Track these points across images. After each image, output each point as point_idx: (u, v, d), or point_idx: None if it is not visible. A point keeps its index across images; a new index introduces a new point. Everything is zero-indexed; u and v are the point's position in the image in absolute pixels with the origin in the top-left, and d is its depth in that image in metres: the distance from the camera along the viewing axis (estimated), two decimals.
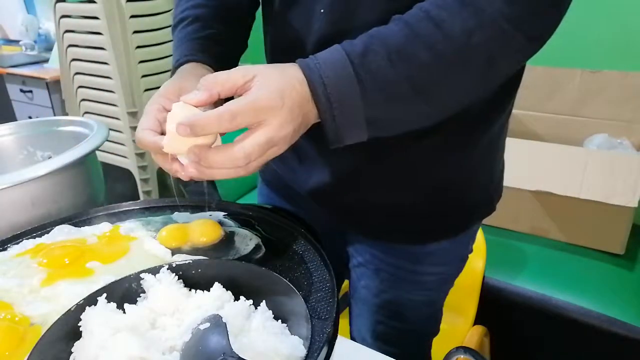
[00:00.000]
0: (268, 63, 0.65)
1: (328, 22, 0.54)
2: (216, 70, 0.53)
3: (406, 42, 0.45)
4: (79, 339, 0.39)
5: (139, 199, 2.18)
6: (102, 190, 0.76)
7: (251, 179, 2.12)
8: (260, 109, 0.43)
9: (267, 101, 0.43)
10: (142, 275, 0.45)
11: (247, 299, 0.42)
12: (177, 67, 0.58)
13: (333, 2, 0.53)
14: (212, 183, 1.99)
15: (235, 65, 0.59)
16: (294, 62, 0.48)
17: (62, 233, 0.57)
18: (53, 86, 2.74)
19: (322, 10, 0.54)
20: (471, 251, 0.76)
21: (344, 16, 0.53)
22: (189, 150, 0.45)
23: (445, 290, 0.78)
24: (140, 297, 0.44)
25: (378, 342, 0.79)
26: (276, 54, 0.66)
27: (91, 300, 0.42)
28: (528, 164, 1.38)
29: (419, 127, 0.52)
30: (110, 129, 0.72)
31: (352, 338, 0.84)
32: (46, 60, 2.99)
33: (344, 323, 0.92)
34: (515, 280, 1.31)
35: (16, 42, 3.44)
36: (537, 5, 0.45)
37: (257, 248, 0.53)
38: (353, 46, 0.46)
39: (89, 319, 0.40)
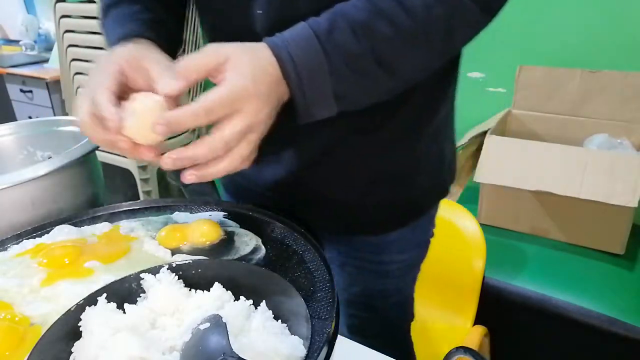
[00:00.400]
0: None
1: (268, 20, 0.54)
2: (167, 52, 0.53)
3: (369, 17, 0.47)
4: (79, 339, 0.39)
5: (139, 199, 2.18)
6: (102, 190, 0.76)
7: None
8: (235, 99, 0.44)
9: (242, 90, 0.44)
10: (142, 275, 0.45)
11: (247, 299, 0.42)
12: (122, 40, 0.54)
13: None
14: (212, 183, 1.99)
15: (180, 48, 0.58)
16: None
17: (62, 233, 0.57)
18: (53, 86, 2.74)
19: (259, 12, 0.54)
20: (432, 235, 0.77)
21: (284, 13, 0.53)
22: (166, 157, 0.45)
23: (413, 276, 0.79)
24: (140, 297, 0.44)
25: (355, 335, 0.79)
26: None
27: (91, 300, 0.42)
28: (528, 164, 1.38)
29: (383, 99, 0.54)
30: None
31: None
32: (46, 60, 2.99)
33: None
34: (515, 280, 1.31)
35: (16, 42, 3.44)
36: None
37: (257, 248, 0.53)
38: (318, 23, 0.47)
39: (89, 319, 0.40)
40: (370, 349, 0.63)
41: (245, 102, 0.44)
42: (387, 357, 0.60)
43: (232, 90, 0.44)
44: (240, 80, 0.44)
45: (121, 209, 0.63)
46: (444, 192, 0.73)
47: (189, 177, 0.46)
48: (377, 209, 0.68)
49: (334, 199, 0.66)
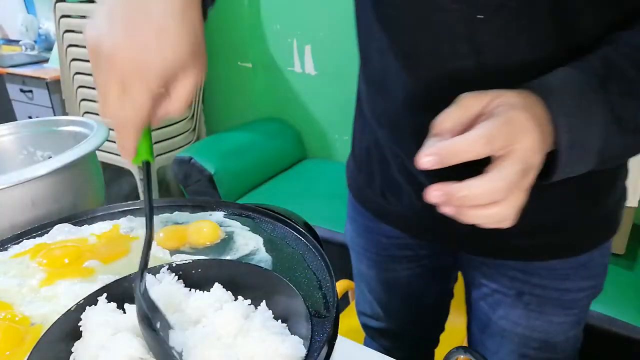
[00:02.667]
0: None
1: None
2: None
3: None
4: (79, 339, 0.39)
5: (139, 199, 2.18)
6: (102, 190, 0.76)
7: (251, 179, 2.12)
8: (515, 128, 0.38)
9: (520, 119, 0.38)
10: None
11: (247, 299, 0.42)
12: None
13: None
14: (212, 183, 1.99)
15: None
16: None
17: (62, 233, 0.57)
18: (53, 86, 2.74)
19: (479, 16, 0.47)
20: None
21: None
22: (432, 191, 0.38)
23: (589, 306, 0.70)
24: None
25: None
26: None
27: (91, 300, 0.42)
28: None
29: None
30: (110, 129, 0.72)
31: None
32: (46, 60, 3.00)
33: (344, 323, 0.92)
34: None
35: (16, 42, 3.44)
36: None
37: (257, 248, 0.53)
38: (590, 76, 0.42)
39: (89, 319, 0.40)
40: (370, 349, 0.63)
41: (524, 133, 0.38)
42: (387, 357, 0.60)
43: (510, 117, 0.38)
44: (516, 110, 0.38)
45: (121, 209, 0.63)
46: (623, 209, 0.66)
47: (445, 210, 0.39)
48: (575, 229, 0.60)
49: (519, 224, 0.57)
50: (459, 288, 0.81)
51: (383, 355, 0.61)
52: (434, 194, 0.38)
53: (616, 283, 1.31)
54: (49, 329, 0.40)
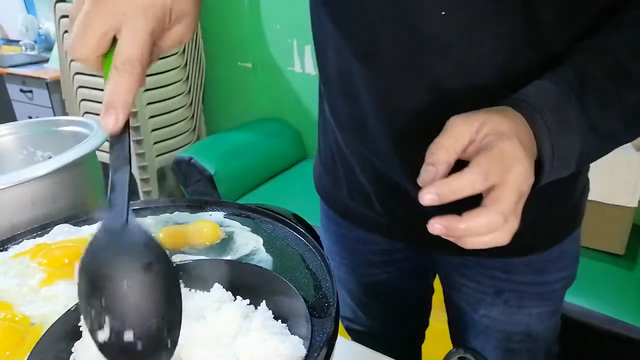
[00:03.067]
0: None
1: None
2: None
3: (616, 82, 0.44)
4: (79, 339, 0.39)
5: (139, 199, 2.18)
6: (102, 190, 0.76)
7: (251, 179, 2.12)
8: (507, 157, 0.39)
9: (514, 151, 0.39)
10: None
11: (247, 298, 0.42)
12: None
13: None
14: (212, 183, 1.99)
15: None
16: None
17: (62, 233, 0.57)
18: (53, 86, 2.74)
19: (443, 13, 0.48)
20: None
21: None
22: (434, 224, 0.39)
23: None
24: None
25: None
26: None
27: None
28: None
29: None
30: None
31: None
32: (46, 60, 3.00)
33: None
34: None
35: (16, 42, 3.44)
36: None
37: (257, 248, 0.53)
38: (569, 88, 0.44)
39: None
40: (370, 349, 0.63)
41: (515, 163, 0.39)
42: (387, 357, 0.60)
43: (501, 149, 0.39)
44: (505, 141, 0.40)
45: None
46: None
47: (439, 231, 0.40)
48: (547, 223, 0.63)
49: None
50: (439, 282, 0.81)
51: (383, 355, 0.61)
52: (436, 226, 0.39)
53: (616, 283, 1.32)
54: (49, 329, 0.39)
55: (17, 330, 0.42)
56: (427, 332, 0.96)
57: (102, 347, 0.33)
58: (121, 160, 0.36)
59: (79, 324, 0.40)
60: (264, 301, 0.42)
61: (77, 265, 0.34)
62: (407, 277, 0.81)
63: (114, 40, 0.37)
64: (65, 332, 0.40)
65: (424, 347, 0.98)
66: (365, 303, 0.85)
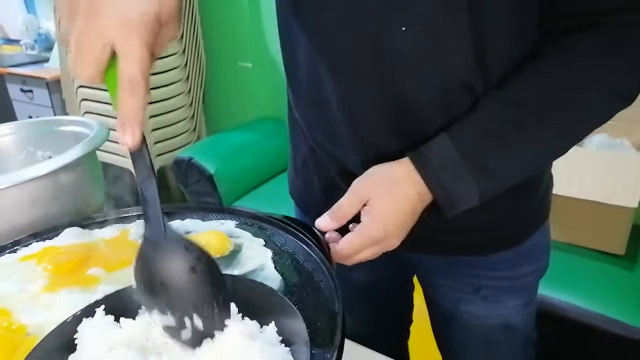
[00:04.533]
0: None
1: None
2: None
3: (511, 132, 0.52)
4: (73, 352, 0.38)
5: (138, 199, 2.18)
6: (102, 190, 0.76)
7: (251, 179, 2.12)
8: (379, 240, 0.53)
9: (384, 237, 0.53)
10: None
11: (248, 316, 0.40)
12: None
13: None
14: (212, 183, 2.00)
15: None
16: None
17: (72, 235, 0.57)
18: (53, 86, 2.75)
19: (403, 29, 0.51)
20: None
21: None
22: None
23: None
24: (141, 309, 0.41)
25: None
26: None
27: (88, 311, 0.40)
28: None
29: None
30: (111, 129, 0.72)
31: None
32: (46, 60, 3.00)
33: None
34: None
35: (16, 41, 3.44)
36: None
37: (264, 264, 0.51)
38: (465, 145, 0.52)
39: (85, 332, 0.39)
40: (370, 350, 0.63)
41: (388, 240, 0.53)
42: (387, 357, 0.60)
43: (374, 237, 0.52)
44: (380, 229, 0.52)
45: (131, 214, 0.62)
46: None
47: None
48: (517, 219, 0.66)
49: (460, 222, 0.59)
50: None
51: (383, 355, 0.61)
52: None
53: (616, 283, 1.32)
54: (42, 340, 0.38)
55: (9, 341, 0.41)
56: (426, 333, 0.96)
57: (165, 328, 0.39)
58: (145, 172, 0.39)
59: (74, 336, 0.39)
60: (272, 323, 0.40)
61: (132, 273, 0.40)
62: (386, 277, 0.81)
63: (114, 52, 0.37)
64: (59, 343, 0.39)
65: (424, 347, 0.97)
66: (346, 305, 0.85)
